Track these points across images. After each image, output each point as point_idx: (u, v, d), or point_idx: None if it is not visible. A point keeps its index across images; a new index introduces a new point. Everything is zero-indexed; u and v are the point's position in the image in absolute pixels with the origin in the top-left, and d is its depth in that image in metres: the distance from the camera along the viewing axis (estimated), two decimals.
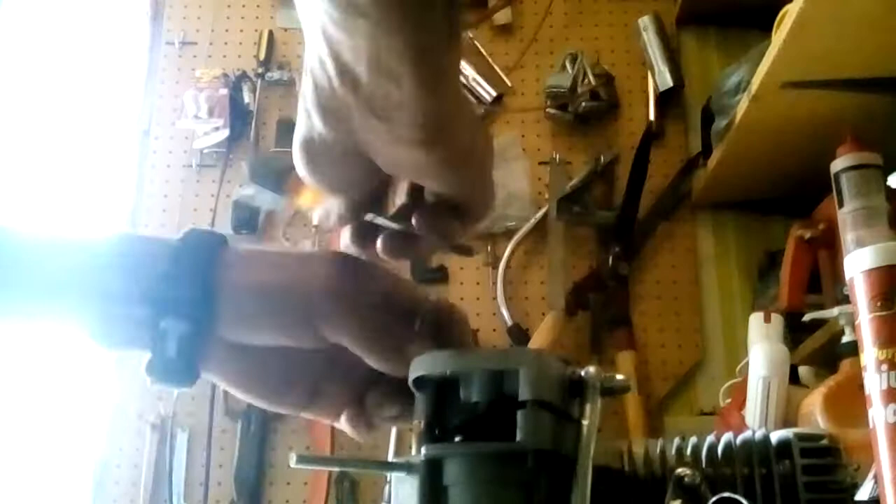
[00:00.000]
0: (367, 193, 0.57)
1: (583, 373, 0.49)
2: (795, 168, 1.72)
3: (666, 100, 2.02)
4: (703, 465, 0.52)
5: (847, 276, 1.04)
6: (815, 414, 1.36)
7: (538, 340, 1.79)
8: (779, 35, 1.36)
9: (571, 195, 1.93)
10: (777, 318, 1.51)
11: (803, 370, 1.55)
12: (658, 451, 0.52)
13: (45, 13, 1.95)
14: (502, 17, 2.09)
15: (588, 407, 0.48)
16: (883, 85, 1.41)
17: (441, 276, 1.92)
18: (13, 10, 1.81)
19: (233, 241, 0.59)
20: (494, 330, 1.90)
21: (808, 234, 1.54)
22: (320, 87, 0.51)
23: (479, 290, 1.93)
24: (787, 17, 1.31)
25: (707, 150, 1.85)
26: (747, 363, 1.53)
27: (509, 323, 1.86)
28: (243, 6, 2.18)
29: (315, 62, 0.51)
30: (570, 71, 1.99)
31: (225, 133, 2.00)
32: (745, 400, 1.50)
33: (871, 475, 1.04)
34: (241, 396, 0.60)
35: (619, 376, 0.49)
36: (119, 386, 1.85)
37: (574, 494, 0.46)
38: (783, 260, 1.59)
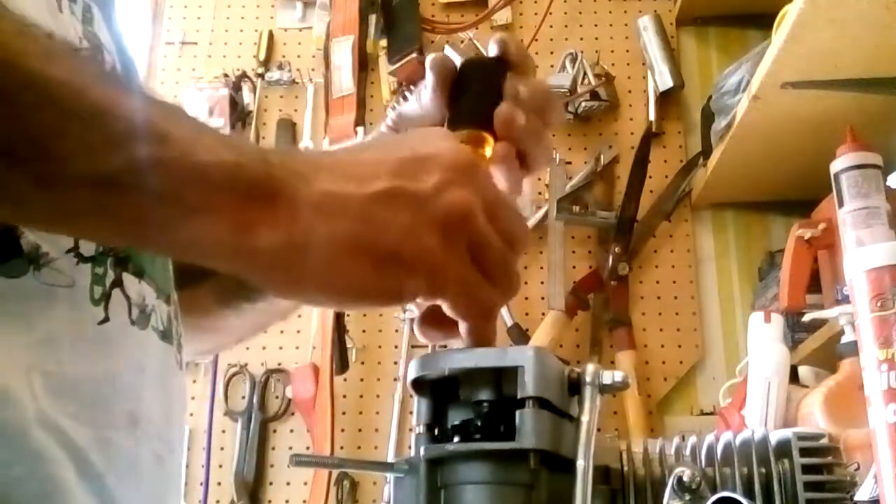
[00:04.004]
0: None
1: (581, 371, 0.49)
2: (795, 168, 1.72)
3: (666, 100, 2.02)
4: (703, 465, 0.52)
5: (847, 276, 1.04)
6: (815, 414, 1.36)
7: (538, 340, 1.79)
8: (779, 35, 1.36)
9: (571, 195, 1.93)
10: (777, 318, 1.51)
11: (803, 370, 1.55)
12: (658, 450, 0.52)
13: None
14: (502, 17, 2.09)
15: (587, 404, 0.48)
16: (883, 85, 1.41)
17: None
18: None
19: None
20: None
21: (808, 234, 1.54)
22: None
23: None
24: (787, 17, 1.31)
25: (707, 150, 1.85)
26: (747, 363, 1.53)
27: (509, 323, 1.86)
28: (243, 6, 2.18)
29: None
30: (570, 71, 1.99)
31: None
32: (745, 400, 1.50)
33: (871, 475, 1.05)
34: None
35: (618, 373, 0.49)
36: None
37: (574, 494, 0.46)
38: (783, 260, 1.59)
